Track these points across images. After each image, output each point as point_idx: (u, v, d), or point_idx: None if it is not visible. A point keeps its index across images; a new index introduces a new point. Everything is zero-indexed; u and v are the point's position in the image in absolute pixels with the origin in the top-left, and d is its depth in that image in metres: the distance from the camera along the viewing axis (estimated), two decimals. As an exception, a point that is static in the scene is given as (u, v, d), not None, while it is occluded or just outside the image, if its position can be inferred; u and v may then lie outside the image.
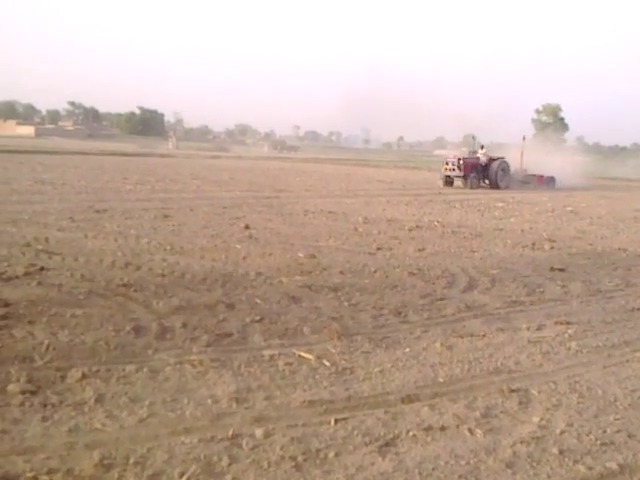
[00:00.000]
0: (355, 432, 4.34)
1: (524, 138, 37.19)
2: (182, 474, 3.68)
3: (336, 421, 4.49)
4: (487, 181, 33.59)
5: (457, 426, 4.53)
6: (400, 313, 7.35)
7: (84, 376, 5.01)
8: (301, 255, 10.48)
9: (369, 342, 6.26)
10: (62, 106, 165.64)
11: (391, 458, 4.02)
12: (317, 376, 5.35)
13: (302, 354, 5.80)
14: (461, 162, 32.37)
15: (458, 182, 32.69)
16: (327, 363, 5.63)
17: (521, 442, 4.33)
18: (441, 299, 8.10)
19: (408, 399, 4.96)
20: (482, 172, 33.41)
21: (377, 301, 7.81)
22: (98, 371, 5.15)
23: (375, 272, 9.47)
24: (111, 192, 19.68)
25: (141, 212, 15.05)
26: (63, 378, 4.98)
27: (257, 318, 6.80)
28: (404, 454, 4.08)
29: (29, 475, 3.59)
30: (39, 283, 7.68)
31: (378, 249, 11.61)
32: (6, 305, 6.68)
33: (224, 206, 17.49)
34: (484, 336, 6.70)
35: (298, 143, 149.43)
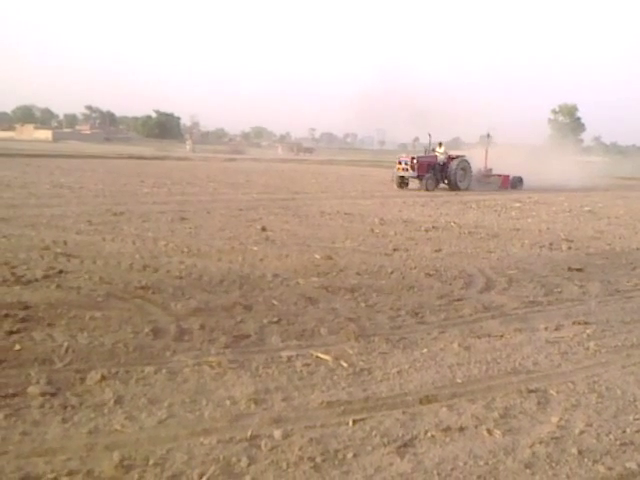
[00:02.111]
0: (373, 433, 4.35)
1: (488, 135, 34.60)
2: (201, 475, 3.70)
3: (354, 422, 4.50)
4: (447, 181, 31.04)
5: (476, 427, 4.52)
6: (417, 314, 7.35)
7: (103, 378, 5.05)
8: (318, 256, 10.50)
9: (386, 343, 6.26)
10: (79, 110, 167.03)
11: (410, 459, 4.02)
12: (335, 377, 5.36)
13: (320, 355, 5.82)
14: (415, 161, 29.66)
15: (414, 183, 30.21)
16: (345, 364, 5.64)
17: (540, 442, 4.32)
18: (458, 300, 8.08)
19: (426, 400, 4.96)
20: (441, 172, 30.77)
21: (394, 302, 7.81)
22: (117, 373, 5.19)
23: (392, 273, 9.46)
24: (128, 195, 19.79)
25: (158, 215, 15.12)
26: (82, 380, 5.02)
27: (274, 319, 6.82)
28: (423, 455, 4.08)
29: (50, 476, 3.63)
30: (58, 286, 7.75)
31: (395, 250, 11.60)
32: (26, 308, 6.74)
33: (240, 208, 17.53)
34: (502, 336, 6.69)
35: (314, 145, 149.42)
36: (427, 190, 28.83)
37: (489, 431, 4.46)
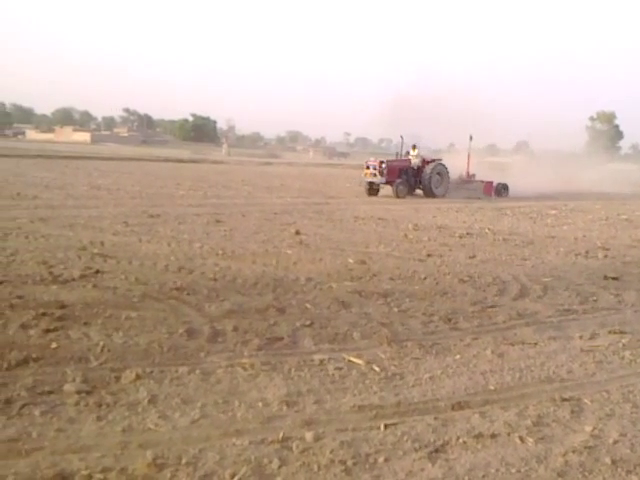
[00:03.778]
0: (405, 438, 4.34)
1: (471, 138, 30.62)
2: (233, 475, 3.73)
3: (386, 426, 4.50)
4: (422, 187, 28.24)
5: (508, 434, 4.50)
6: (450, 320, 7.32)
7: (138, 377, 5.11)
8: (351, 261, 10.51)
9: (419, 348, 6.25)
10: (117, 113, 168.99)
11: (441, 464, 4.01)
12: (367, 381, 5.36)
13: (352, 359, 5.83)
14: (384, 166, 26.75)
15: (386, 190, 27.24)
16: (377, 368, 5.64)
17: (573, 451, 4.28)
18: (492, 306, 8.03)
19: (458, 406, 4.95)
20: (415, 177, 27.96)
21: (427, 307, 7.79)
22: (152, 372, 5.25)
23: (425, 279, 9.44)
24: (165, 197, 19.98)
25: (194, 217, 15.24)
26: (117, 379, 5.09)
27: (307, 323, 6.84)
28: (454, 461, 4.07)
29: (84, 473, 3.68)
30: (94, 286, 7.86)
31: (428, 256, 11.56)
32: (63, 307, 6.85)
33: (275, 212, 17.61)
34: (536, 344, 6.63)
35: (348, 150, 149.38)
36: (398, 197, 26.37)
37: (522, 439, 4.43)
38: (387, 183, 26.92)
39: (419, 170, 27.96)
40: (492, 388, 5.38)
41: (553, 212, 22.35)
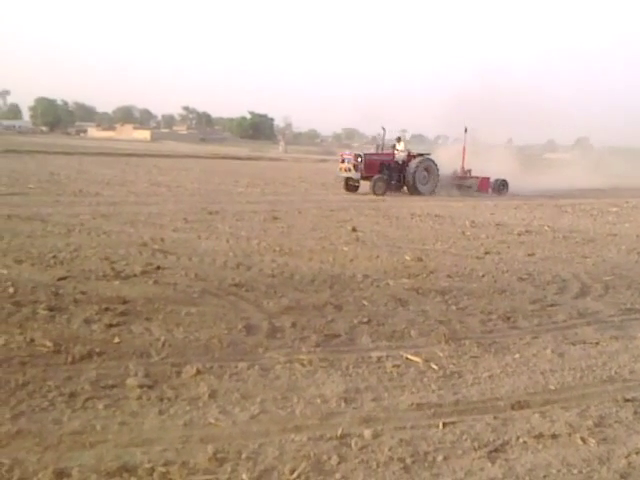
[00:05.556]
0: (464, 436, 4.32)
1: (466, 130, 28.07)
2: (293, 470, 3.76)
3: (444, 425, 4.48)
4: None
5: (569, 434, 4.43)
6: (509, 318, 7.25)
7: (198, 372, 5.18)
8: (408, 258, 10.47)
9: (477, 347, 6.20)
10: (176, 111, 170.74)
11: (501, 464, 3.98)
12: (425, 379, 5.35)
13: (410, 357, 5.81)
14: (360, 160, 24.36)
15: (366, 186, 24.46)
16: (435, 366, 5.62)
17: (636, 453, 4.21)
18: (552, 305, 7.92)
19: (518, 405, 4.89)
20: (399, 173, 25.34)
21: (485, 306, 7.72)
22: (212, 368, 5.32)
23: (483, 276, 9.35)
24: (223, 194, 20.22)
25: (251, 214, 15.39)
26: (178, 373, 5.17)
27: (365, 320, 6.85)
28: (514, 461, 4.03)
29: (147, 466, 3.74)
30: (155, 282, 8.00)
31: (486, 253, 11.45)
32: (125, 302, 7.00)
33: (331, 209, 17.65)
34: (597, 344, 6.52)
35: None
36: (375, 194, 23.62)
37: (583, 439, 4.36)
38: (364, 178, 24.53)
39: (404, 165, 25.53)
40: (552, 388, 5.31)
41: (614, 209, 21.87)
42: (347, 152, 26.54)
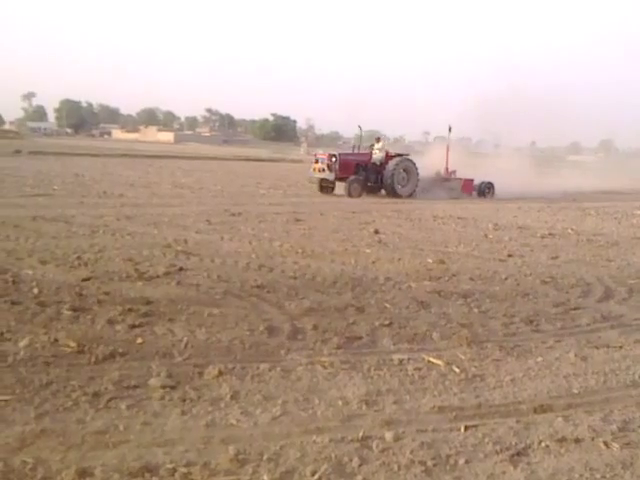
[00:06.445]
0: (486, 440, 4.30)
1: (450, 129, 27.01)
2: (314, 472, 3.76)
3: (466, 428, 4.46)
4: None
5: (592, 439, 4.40)
6: (532, 322, 7.20)
7: (220, 373, 5.20)
8: (430, 260, 10.45)
9: (500, 350, 6.17)
10: (200, 113, 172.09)
11: (523, 468, 3.96)
12: (447, 382, 5.33)
13: (431, 359, 5.80)
14: (334, 160, 23.33)
15: (341, 188, 23.56)
16: (457, 369, 5.60)
17: (661, 458, 4.16)
18: (575, 308, 7.85)
19: (541, 409, 4.86)
20: (377, 174, 24.24)
21: (508, 309, 7.67)
22: (234, 369, 5.33)
23: (506, 279, 9.30)
24: (245, 196, 20.30)
25: (274, 216, 15.43)
26: (201, 374, 5.19)
27: (386, 322, 6.83)
28: (536, 464, 4.01)
29: (168, 467, 3.76)
30: (178, 283, 8.04)
31: (509, 256, 11.39)
32: (148, 303, 7.04)
33: (353, 211, 17.67)
34: (621, 348, 6.46)
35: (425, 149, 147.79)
36: (350, 196, 22.75)
37: (606, 444, 4.33)
38: (339, 179, 23.59)
39: (382, 166, 24.39)
40: (576, 392, 5.26)
41: (639, 212, 21.66)
42: (320, 152, 25.74)
